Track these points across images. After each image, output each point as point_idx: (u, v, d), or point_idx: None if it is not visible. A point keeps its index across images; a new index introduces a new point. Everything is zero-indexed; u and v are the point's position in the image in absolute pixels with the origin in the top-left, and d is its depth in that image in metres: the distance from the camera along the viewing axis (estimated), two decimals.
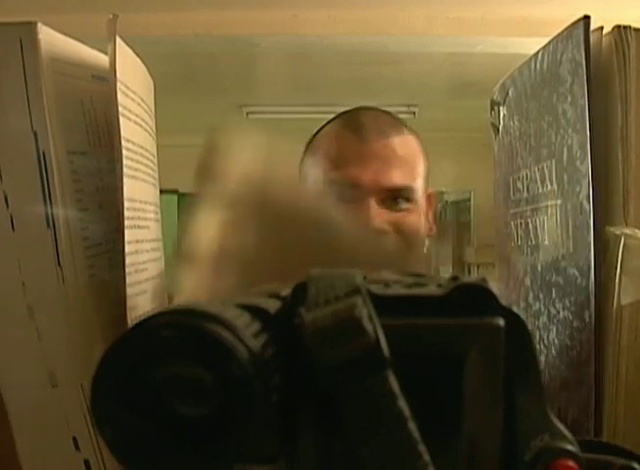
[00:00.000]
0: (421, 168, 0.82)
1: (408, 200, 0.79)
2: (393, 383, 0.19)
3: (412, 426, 0.19)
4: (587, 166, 0.47)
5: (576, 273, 0.49)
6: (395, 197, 0.77)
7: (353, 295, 0.20)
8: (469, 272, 5.34)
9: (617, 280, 0.45)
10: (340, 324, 0.19)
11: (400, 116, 0.93)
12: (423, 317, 0.21)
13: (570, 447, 0.21)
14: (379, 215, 0.75)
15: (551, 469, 0.21)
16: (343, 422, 0.19)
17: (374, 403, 0.19)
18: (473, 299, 0.21)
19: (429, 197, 0.86)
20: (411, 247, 0.78)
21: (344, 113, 0.85)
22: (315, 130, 0.87)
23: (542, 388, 0.22)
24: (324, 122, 0.87)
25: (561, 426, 0.22)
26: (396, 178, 0.77)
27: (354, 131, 0.79)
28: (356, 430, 0.19)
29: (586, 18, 0.47)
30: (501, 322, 0.21)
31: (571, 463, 0.21)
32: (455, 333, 0.21)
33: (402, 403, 0.19)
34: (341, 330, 0.19)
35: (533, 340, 0.22)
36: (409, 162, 0.80)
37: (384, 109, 0.87)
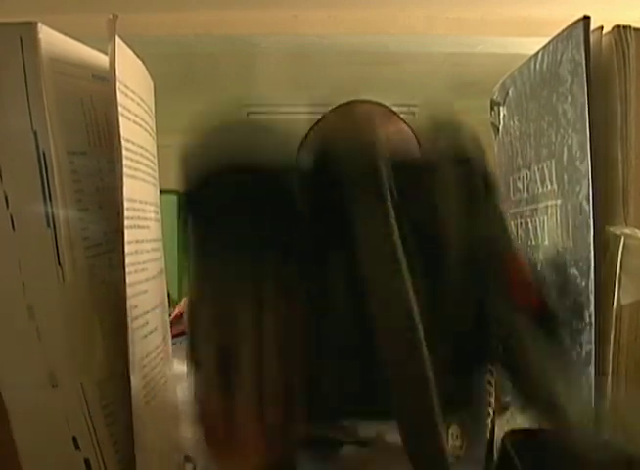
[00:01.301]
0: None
1: None
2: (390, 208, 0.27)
3: (397, 240, 0.27)
4: (587, 166, 0.47)
5: (576, 273, 0.49)
6: None
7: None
8: None
9: (616, 280, 0.45)
10: (361, 148, 0.29)
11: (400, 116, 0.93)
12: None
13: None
14: None
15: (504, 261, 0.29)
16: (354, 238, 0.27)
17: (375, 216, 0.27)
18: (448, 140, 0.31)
19: None
20: None
21: (338, 105, 0.86)
22: None
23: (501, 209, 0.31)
24: None
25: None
26: None
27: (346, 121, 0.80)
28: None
29: (586, 18, 0.47)
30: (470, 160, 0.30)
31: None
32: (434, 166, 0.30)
33: (393, 222, 0.27)
34: (360, 152, 0.29)
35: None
36: None
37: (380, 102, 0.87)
